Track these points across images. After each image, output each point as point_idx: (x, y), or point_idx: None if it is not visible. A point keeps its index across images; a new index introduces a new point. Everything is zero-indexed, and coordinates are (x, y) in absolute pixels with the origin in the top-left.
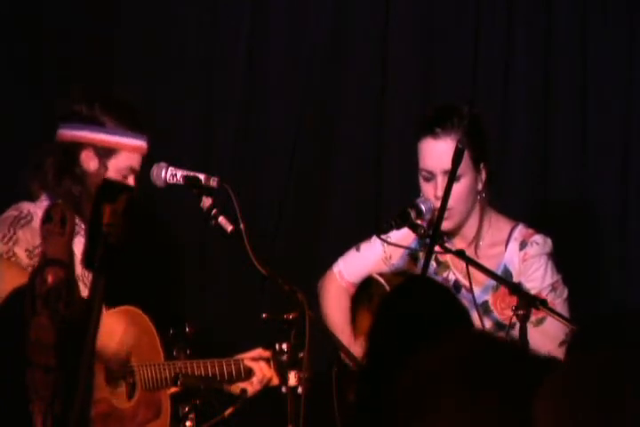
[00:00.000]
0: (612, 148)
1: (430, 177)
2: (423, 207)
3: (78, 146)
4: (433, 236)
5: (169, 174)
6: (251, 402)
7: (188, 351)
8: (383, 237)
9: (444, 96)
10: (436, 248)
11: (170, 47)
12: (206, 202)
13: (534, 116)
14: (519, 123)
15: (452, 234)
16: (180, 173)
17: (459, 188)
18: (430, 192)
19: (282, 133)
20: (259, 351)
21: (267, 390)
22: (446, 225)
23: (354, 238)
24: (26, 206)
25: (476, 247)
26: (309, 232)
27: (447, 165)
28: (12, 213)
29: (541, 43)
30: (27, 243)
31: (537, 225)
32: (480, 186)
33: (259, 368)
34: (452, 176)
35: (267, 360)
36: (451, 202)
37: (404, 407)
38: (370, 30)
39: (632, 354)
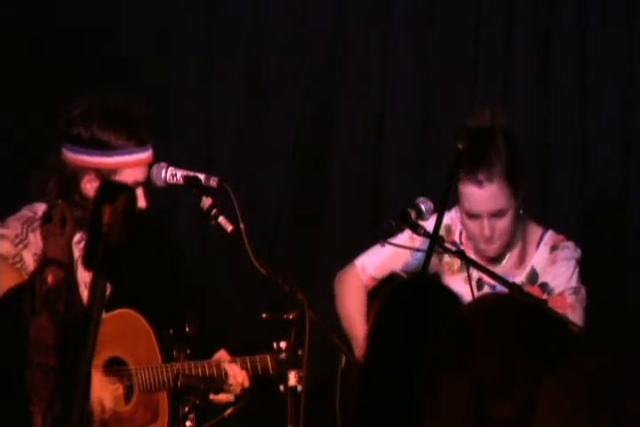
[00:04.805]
0: (613, 148)
1: (476, 218)
2: (423, 207)
3: (80, 171)
4: (433, 236)
5: (169, 174)
6: (251, 402)
7: (188, 351)
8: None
9: (444, 96)
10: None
11: (170, 47)
12: (206, 202)
13: (534, 115)
14: (519, 123)
15: (500, 258)
16: (180, 173)
17: (503, 223)
18: (477, 231)
19: (282, 133)
20: (220, 354)
21: (266, 390)
22: (493, 255)
23: (353, 238)
24: (40, 208)
25: (524, 261)
26: (309, 232)
27: (493, 207)
28: (27, 212)
29: (541, 43)
30: (36, 247)
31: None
32: (521, 211)
33: (232, 373)
34: (453, 173)
35: (236, 363)
36: (498, 238)
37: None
38: (370, 30)
39: (632, 355)
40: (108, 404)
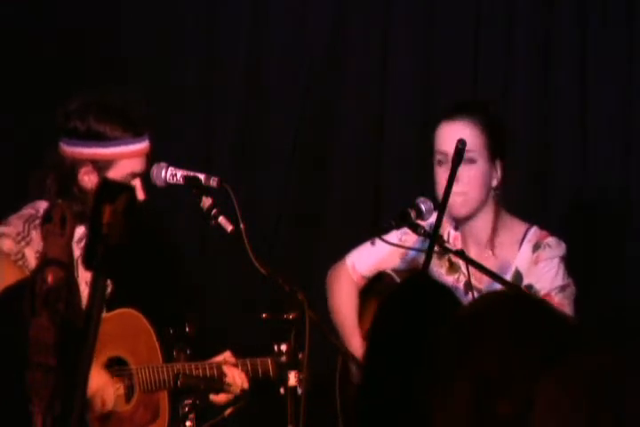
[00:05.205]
0: (613, 148)
1: (444, 160)
2: (423, 207)
3: (77, 163)
4: (433, 236)
5: (169, 174)
6: (251, 402)
7: (188, 351)
8: (385, 237)
9: (444, 96)
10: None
11: (170, 47)
12: (206, 202)
13: (534, 115)
14: (519, 123)
15: (470, 218)
16: (180, 173)
17: (473, 171)
18: (443, 177)
19: (282, 133)
20: (225, 355)
21: (266, 391)
22: (460, 211)
23: (353, 238)
24: (42, 205)
25: (493, 247)
26: (309, 232)
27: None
28: (29, 210)
29: (541, 43)
30: (38, 244)
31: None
32: (494, 182)
33: (231, 375)
34: (453, 173)
35: (236, 366)
36: (464, 186)
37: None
38: (370, 30)
39: (632, 355)
40: (109, 401)
